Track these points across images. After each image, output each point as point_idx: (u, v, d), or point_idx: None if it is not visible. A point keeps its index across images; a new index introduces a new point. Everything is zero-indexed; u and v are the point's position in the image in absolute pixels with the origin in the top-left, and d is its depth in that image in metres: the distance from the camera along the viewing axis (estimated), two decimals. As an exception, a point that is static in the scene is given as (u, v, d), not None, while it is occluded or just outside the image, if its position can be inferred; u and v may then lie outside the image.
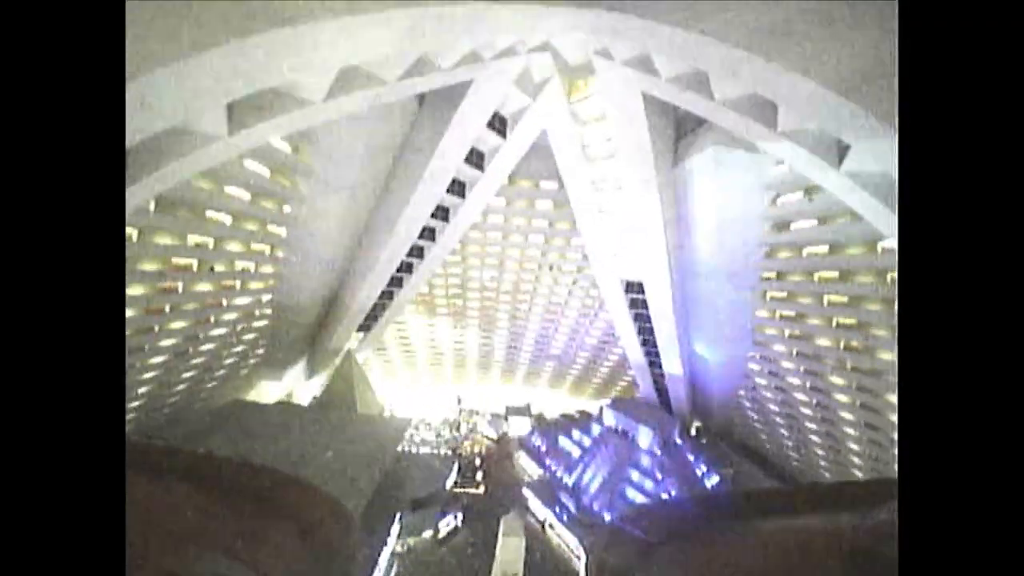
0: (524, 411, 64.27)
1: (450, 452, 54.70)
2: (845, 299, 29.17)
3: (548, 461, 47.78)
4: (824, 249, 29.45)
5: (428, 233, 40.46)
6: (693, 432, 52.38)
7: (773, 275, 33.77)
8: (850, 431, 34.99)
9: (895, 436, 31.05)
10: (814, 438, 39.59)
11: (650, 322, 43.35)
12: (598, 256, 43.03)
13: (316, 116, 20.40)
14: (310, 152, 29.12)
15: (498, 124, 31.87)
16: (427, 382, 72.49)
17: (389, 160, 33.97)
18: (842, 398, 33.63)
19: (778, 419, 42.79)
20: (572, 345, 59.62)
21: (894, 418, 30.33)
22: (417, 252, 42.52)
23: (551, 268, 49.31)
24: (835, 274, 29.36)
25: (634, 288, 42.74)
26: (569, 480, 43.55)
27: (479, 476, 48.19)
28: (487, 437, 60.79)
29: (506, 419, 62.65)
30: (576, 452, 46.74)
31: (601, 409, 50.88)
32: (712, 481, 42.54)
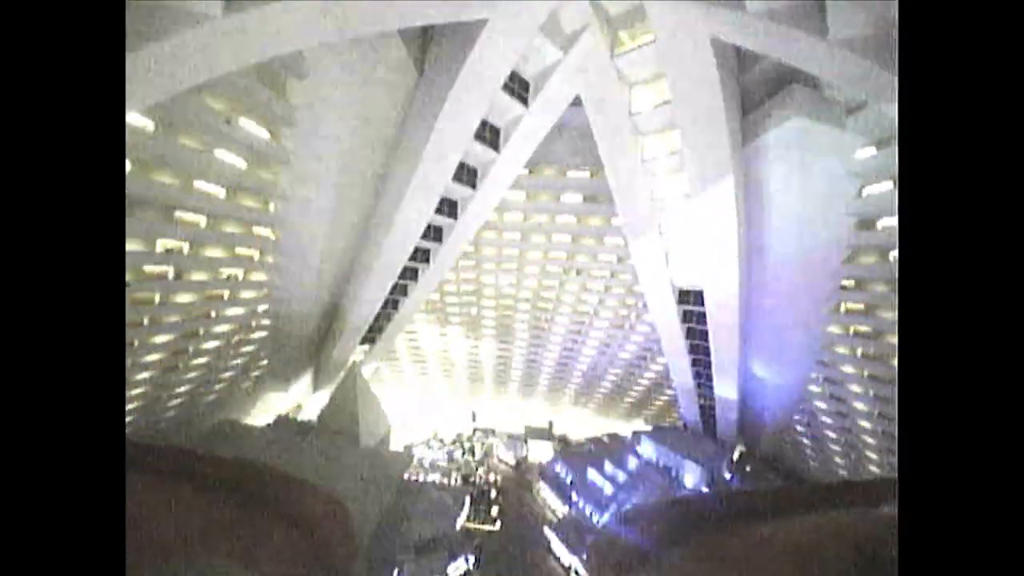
0: (545, 433, 58.89)
1: (461, 480, 49.42)
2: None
3: (574, 496, 41.58)
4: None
5: (434, 233, 34.96)
6: (736, 456, 45.86)
7: (852, 284, 29.41)
8: (916, 464, 29.49)
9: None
10: (873, 469, 35.92)
11: (705, 339, 36.56)
12: (644, 259, 35.97)
13: (228, 45, 14.39)
14: (290, 136, 24.64)
15: (518, 88, 25.07)
16: (440, 394, 67.61)
17: (383, 145, 28.53)
18: (914, 428, 28.39)
19: (834, 447, 39.41)
20: (602, 360, 53.07)
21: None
22: (423, 256, 37.15)
23: (578, 273, 42.97)
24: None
25: (689, 298, 36.13)
26: (601, 521, 37.35)
27: (494, 510, 42.89)
28: (504, 462, 55.36)
29: (525, 442, 57.24)
30: (608, 488, 40.30)
31: (636, 436, 44.81)
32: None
